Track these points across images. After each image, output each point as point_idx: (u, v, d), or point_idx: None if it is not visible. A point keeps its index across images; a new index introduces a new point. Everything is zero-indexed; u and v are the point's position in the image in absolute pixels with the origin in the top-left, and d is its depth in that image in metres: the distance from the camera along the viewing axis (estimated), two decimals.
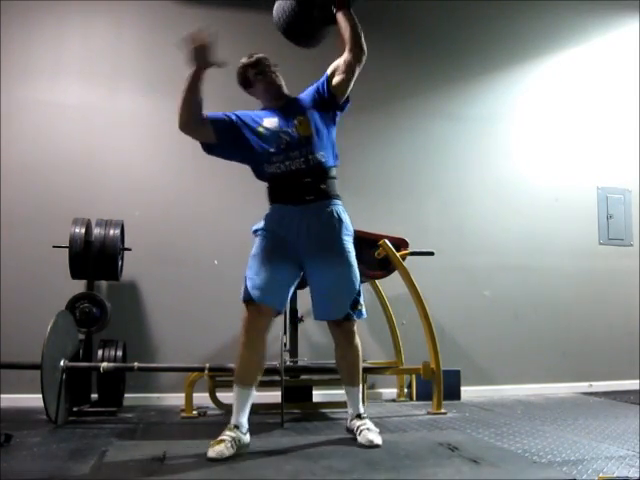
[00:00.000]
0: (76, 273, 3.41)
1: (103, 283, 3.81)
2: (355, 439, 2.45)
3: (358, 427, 2.48)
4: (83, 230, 3.39)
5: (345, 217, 2.52)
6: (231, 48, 4.23)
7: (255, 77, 2.58)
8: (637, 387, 4.37)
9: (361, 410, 2.58)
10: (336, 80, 2.62)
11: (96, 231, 3.46)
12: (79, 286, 3.53)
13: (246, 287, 2.38)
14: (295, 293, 3.42)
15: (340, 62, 2.60)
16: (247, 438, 2.39)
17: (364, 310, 2.52)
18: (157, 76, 4.09)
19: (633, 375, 4.46)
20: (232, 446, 2.26)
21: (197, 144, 4.10)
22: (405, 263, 3.52)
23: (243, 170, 4.12)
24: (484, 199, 4.52)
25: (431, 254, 3.70)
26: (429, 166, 4.49)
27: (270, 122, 2.53)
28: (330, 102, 2.61)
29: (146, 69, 4.09)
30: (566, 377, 4.45)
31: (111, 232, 3.46)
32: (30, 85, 3.89)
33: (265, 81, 2.58)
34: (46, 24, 3.96)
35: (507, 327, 4.41)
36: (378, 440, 2.40)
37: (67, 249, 3.35)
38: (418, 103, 4.52)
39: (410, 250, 3.63)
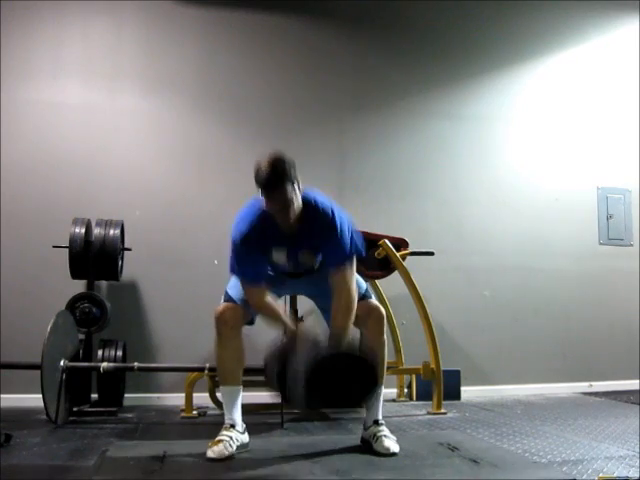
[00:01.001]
0: (76, 273, 3.41)
1: (103, 283, 3.81)
2: (368, 449, 2.35)
3: (375, 434, 2.38)
4: (83, 230, 3.39)
5: (341, 217, 2.45)
6: (231, 48, 4.27)
7: (266, 199, 2.23)
8: (637, 387, 4.37)
9: (379, 416, 2.46)
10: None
11: (96, 231, 3.46)
12: (79, 286, 3.53)
13: (226, 293, 2.47)
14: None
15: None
16: (246, 437, 2.39)
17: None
18: (157, 76, 4.09)
19: (633, 375, 4.46)
20: (231, 445, 2.26)
21: (197, 145, 4.13)
22: (405, 263, 3.52)
23: (243, 171, 4.14)
24: (484, 199, 4.52)
25: (431, 254, 3.70)
26: (429, 166, 4.49)
27: (278, 255, 2.42)
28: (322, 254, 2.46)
29: (146, 69, 4.09)
30: (566, 377, 4.45)
31: (111, 232, 3.46)
32: (30, 85, 3.89)
33: (272, 210, 2.24)
34: (46, 24, 3.96)
35: (507, 327, 4.41)
36: (395, 448, 2.32)
37: (67, 249, 3.34)
38: (417, 103, 4.52)
39: (410, 250, 3.63)
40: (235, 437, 2.31)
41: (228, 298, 2.43)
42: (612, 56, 4.92)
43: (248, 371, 2.54)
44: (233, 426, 2.34)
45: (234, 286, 2.44)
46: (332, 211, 2.32)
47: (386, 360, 2.54)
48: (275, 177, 2.16)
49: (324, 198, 2.36)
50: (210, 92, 4.18)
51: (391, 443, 2.34)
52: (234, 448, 2.27)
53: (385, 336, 2.49)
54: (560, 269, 4.57)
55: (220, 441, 2.26)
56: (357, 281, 2.46)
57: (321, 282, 2.42)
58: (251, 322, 2.51)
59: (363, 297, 2.46)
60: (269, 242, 2.35)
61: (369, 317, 2.44)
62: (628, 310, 4.64)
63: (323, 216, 2.30)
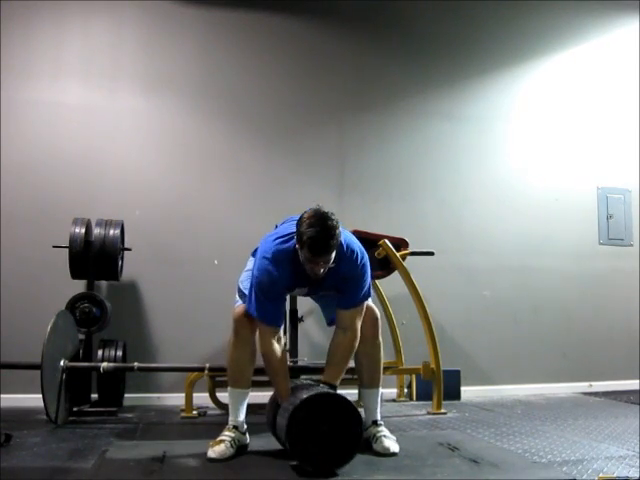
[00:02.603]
0: (76, 273, 3.40)
1: (103, 283, 3.81)
2: (367, 449, 2.34)
3: (374, 434, 2.39)
4: (83, 230, 3.38)
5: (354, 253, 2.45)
6: (231, 48, 4.27)
7: (308, 259, 2.17)
8: (637, 387, 4.37)
9: (378, 417, 2.48)
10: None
11: (96, 231, 3.46)
12: (79, 286, 3.53)
13: (243, 294, 2.42)
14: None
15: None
16: (246, 438, 2.39)
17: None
18: (157, 76, 4.09)
19: (633, 375, 4.46)
20: (232, 446, 2.26)
21: (197, 145, 4.12)
22: (405, 263, 3.52)
23: (243, 171, 4.15)
24: (484, 199, 4.52)
25: (431, 254, 3.70)
26: (429, 166, 4.49)
27: (300, 291, 2.51)
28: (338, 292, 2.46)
29: (146, 69, 4.08)
30: (566, 377, 4.45)
31: (111, 232, 3.46)
32: (30, 85, 3.88)
33: (312, 271, 2.22)
34: (46, 24, 3.96)
35: (507, 327, 4.41)
36: (395, 448, 2.33)
37: (67, 249, 3.34)
38: (418, 103, 4.52)
39: (410, 250, 3.63)
40: (236, 438, 2.31)
41: (244, 302, 2.39)
42: (612, 56, 4.92)
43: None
44: (236, 427, 2.34)
45: (264, 298, 2.35)
46: (360, 256, 2.33)
47: (382, 362, 2.54)
48: (326, 244, 2.12)
49: (352, 240, 2.36)
50: (210, 92, 4.18)
51: (391, 443, 2.34)
52: (235, 449, 2.27)
53: (380, 338, 2.50)
54: (560, 269, 4.57)
55: (222, 441, 2.26)
56: (365, 286, 2.44)
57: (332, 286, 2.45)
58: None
59: (361, 300, 2.42)
60: (295, 284, 2.36)
61: (364, 317, 2.43)
62: (628, 310, 4.64)
63: (353, 262, 2.31)
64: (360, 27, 4.47)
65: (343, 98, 4.38)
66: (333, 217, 2.17)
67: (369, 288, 2.40)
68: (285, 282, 2.29)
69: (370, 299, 2.48)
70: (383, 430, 2.41)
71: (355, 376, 2.62)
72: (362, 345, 2.43)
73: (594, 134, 4.82)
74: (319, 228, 2.11)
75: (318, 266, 2.18)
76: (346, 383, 2.84)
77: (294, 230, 2.24)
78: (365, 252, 2.39)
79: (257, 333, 2.37)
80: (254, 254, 2.56)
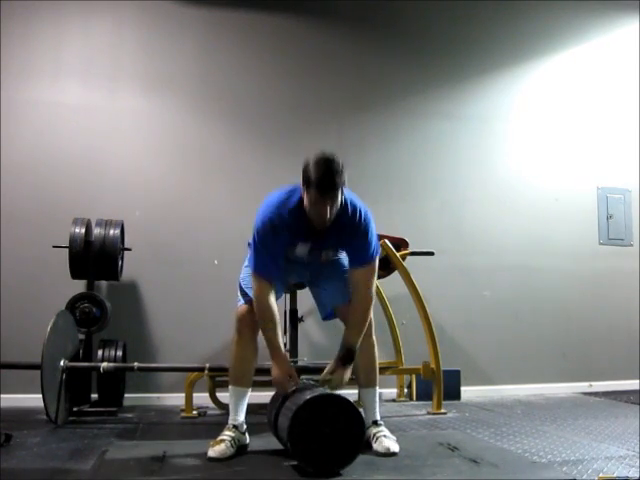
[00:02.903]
0: (76, 273, 3.40)
1: (103, 283, 3.81)
2: (367, 449, 2.31)
3: (374, 434, 2.38)
4: (83, 230, 3.39)
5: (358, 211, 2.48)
6: (231, 48, 4.27)
7: (315, 199, 2.17)
8: (637, 387, 4.37)
9: (377, 416, 2.46)
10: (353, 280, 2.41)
11: (96, 231, 3.46)
12: (79, 286, 3.52)
13: (245, 293, 2.41)
14: (295, 293, 3.42)
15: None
16: (246, 438, 2.39)
17: None
18: (157, 76, 4.09)
19: (633, 375, 4.46)
20: (232, 446, 2.26)
21: (197, 145, 4.12)
22: (405, 263, 3.52)
23: (244, 171, 4.15)
24: (484, 199, 4.52)
25: (431, 254, 3.70)
26: (429, 166, 4.49)
27: (302, 249, 2.40)
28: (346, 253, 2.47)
29: (146, 69, 4.09)
30: (566, 377, 4.45)
31: (111, 232, 3.46)
32: (30, 85, 3.88)
33: (319, 213, 2.19)
34: (46, 24, 3.96)
35: (507, 327, 4.41)
36: (395, 448, 2.32)
37: (67, 249, 3.34)
38: (418, 103, 4.52)
39: (410, 250, 3.63)
40: (237, 437, 2.31)
41: (249, 299, 2.38)
42: (612, 56, 4.92)
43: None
44: (236, 427, 2.34)
45: (250, 287, 2.38)
46: (363, 212, 2.33)
47: (377, 360, 2.53)
48: (332, 181, 2.13)
49: (354, 197, 2.36)
50: (210, 92, 4.18)
51: (391, 443, 2.34)
52: (235, 449, 2.27)
53: (374, 336, 2.49)
54: (560, 269, 4.57)
55: (222, 441, 2.26)
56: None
57: (329, 269, 2.46)
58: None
59: None
60: (296, 237, 2.33)
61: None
62: (628, 310, 4.64)
63: (355, 217, 2.30)
64: (360, 27, 4.47)
65: (343, 98, 4.38)
66: (338, 159, 2.19)
67: (377, 245, 2.39)
68: (286, 234, 2.27)
69: None
70: (383, 430, 2.41)
71: (354, 376, 2.61)
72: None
73: (594, 134, 4.82)
74: (325, 167, 2.14)
75: (325, 208, 2.16)
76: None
77: (295, 185, 2.27)
78: (368, 209, 2.38)
79: (258, 331, 2.37)
80: (250, 246, 2.55)
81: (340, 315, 2.49)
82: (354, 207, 2.31)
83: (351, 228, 2.31)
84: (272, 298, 2.31)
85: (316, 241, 2.36)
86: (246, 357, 2.39)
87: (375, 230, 2.38)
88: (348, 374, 2.36)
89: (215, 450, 2.22)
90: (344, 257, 2.52)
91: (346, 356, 2.34)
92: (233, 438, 2.29)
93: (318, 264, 2.49)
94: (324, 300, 2.55)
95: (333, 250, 2.45)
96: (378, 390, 2.52)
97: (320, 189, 2.13)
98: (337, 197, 2.18)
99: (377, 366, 2.52)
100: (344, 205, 2.27)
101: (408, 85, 4.53)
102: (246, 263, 2.52)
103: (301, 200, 2.24)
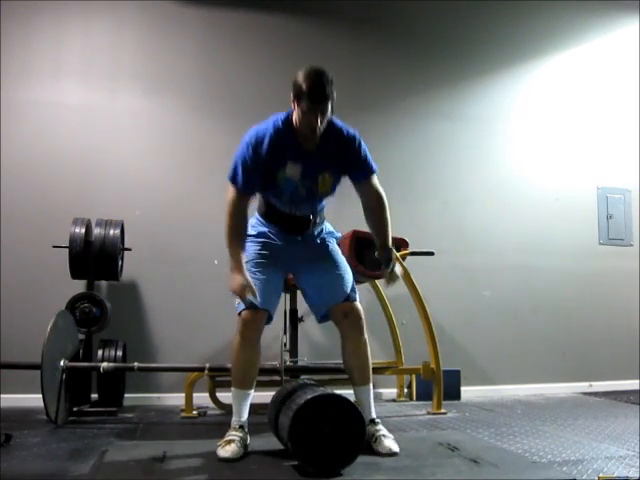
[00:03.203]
0: (76, 273, 3.41)
1: (103, 283, 3.81)
2: (367, 449, 2.28)
3: (373, 434, 2.35)
4: (83, 230, 3.39)
5: (329, 227, 2.61)
6: (231, 48, 4.27)
7: (306, 108, 2.19)
8: (637, 387, 4.37)
9: (374, 414, 2.45)
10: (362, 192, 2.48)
11: (96, 231, 3.46)
12: (79, 286, 3.53)
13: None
14: (295, 293, 3.43)
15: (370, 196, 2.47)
16: (249, 438, 2.38)
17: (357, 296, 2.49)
18: (157, 76, 4.09)
19: (633, 375, 4.46)
20: (242, 446, 2.26)
21: (197, 145, 4.12)
22: (405, 263, 3.52)
23: None
24: (484, 199, 4.52)
25: (431, 254, 3.70)
26: (429, 166, 4.49)
27: (293, 170, 2.33)
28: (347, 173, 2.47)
29: (146, 69, 4.09)
30: (566, 377, 4.45)
31: (111, 232, 3.46)
32: (30, 85, 3.88)
33: (310, 123, 2.21)
34: (46, 24, 3.96)
35: (507, 327, 4.41)
36: (396, 447, 2.30)
37: (67, 249, 3.34)
38: (418, 103, 4.52)
39: (410, 250, 3.62)
40: (243, 437, 2.31)
41: (251, 304, 2.31)
42: (612, 56, 4.92)
43: None
44: (242, 427, 2.34)
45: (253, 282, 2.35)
46: (352, 130, 2.39)
47: (370, 358, 2.50)
48: (323, 90, 2.20)
49: (340, 122, 2.41)
50: (210, 92, 4.18)
51: (391, 443, 2.33)
52: (243, 449, 2.27)
53: (366, 335, 2.46)
54: (560, 269, 4.57)
55: (232, 441, 2.25)
56: (350, 281, 2.48)
57: (319, 257, 2.46)
58: (269, 321, 2.45)
59: (347, 298, 2.42)
60: (284, 156, 2.30)
61: (347, 316, 2.41)
62: (628, 310, 4.64)
63: (346, 136, 2.36)
64: (360, 27, 4.47)
65: (343, 98, 4.30)
66: (328, 72, 2.26)
67: (371, 159, 2.44)
68: (273, 143, 2.27)
69: (357, 300, 2.46)
70: (382, 429, 2.40)
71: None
72: (348, 343, 2.44)
73: (594, 134, 4.82)
74: (315, 75, 2.20)
75: (315, 117, 2.19)
76: (344, 383, 2.84)
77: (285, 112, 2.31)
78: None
79: (261, 333, 2.36)
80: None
81: (334, 317, 2.44)
82: (343, 128, 2.37)
83: (342, 144, 2.35)
84: (245, 210, 2.33)
85: (308, 162, 2.32)
86: (250, 360, 2.38)
87: (366, 147, 2.43)
88: (399, 267, 2.50)
89: (227, 450, 2.21)
90: (335, 250, 2.52)
91: (388, 254, 2.45)
92: (241, 438, 2.28)
93: (306, 247, 2.46)
94: (317, 301, 2.49)
95: (329, 173, 2.38)
96: (372, 387, 2.50)
97: (311, 97, 2.17)
98: (327, 107, 2.22)
99: (370, 364, 2.50)
100: (332, 127, 2.32)
101: (409, 85, 4.53)
102: (245, 258, 2.46)
103: (290, 120, 2.28)
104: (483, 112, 4.62)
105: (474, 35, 4.67)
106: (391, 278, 2.45)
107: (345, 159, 2.37)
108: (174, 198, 4.00)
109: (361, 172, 2.42)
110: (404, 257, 3.57)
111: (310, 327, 3.84)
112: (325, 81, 2.21)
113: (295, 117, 2.25)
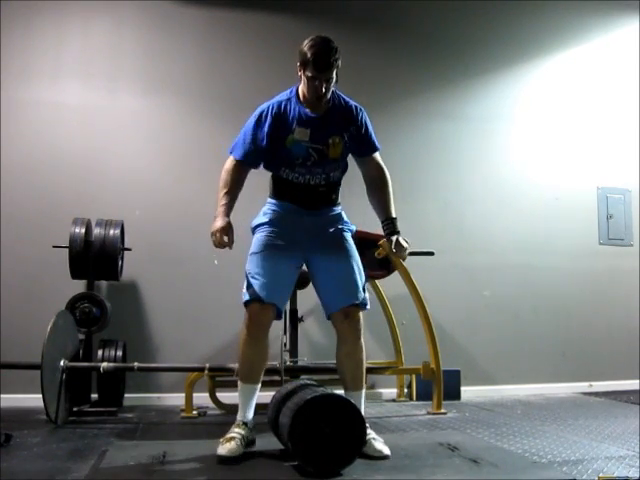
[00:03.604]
0: (76, 273, 3.41)
1: (103, 283, 3.80)
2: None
3: None
4: (83, 230, 3.39)
5: (345, 217, 2.56)
6: (231, 48, 4.27)
7: (312, 77, 2.26)
8: (637, 387, 4.36)
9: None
10: (365, 165, 2.56)
11: (96, 231, 3.46)
12: (79, 286, 3.53)
13: (250, 285, 2.32)
14: (295, 293, 3.42)
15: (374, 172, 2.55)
16: (254, 435, 2.37)
17: (368, 301, 2.44)
18: (157, 76, 4.09)
19: (633, 375, 4.45)
20: (242, 444, 2.24)
21: (197, 145, 4.12)
22: (405, 263, 3.52)
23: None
24: (484, 199, 4.52)
25: (431, 254, 3.70)
26: (429, 166, 4.49)
27: (302, 133, 2.35)
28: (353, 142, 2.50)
29: (146, 69, 4.09)
30: (566, 377, 4.45)
31: (111, 232, 3.46)
32: (30, 85, 3.88)
33: (316, 90, 2.29)
34: (46, 24, 3.96)
35: (507, 327, 4.41)
36: (387, 450, 2.28)
37: (67, 249, 3.34)
38: (418, 103, 4.52)
39: (410, 250, 3.62)
40: (246, 435, 2.29)
41: (254, 297, 2.30)
42: (612, 56, 4.92)
43: None
44: (245, 424, 2.32)
45: (259, 278, 2.32)
46: (358, 104, 2.49)
47: (365, 363, 2.46)
48: (328, 57, 2.24)
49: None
50: (210, 92, 4.18)
51: (382, 446, 2.30)
52: (244, 446, 2.25)
53: (363, 339, 2.42)
54: (560, 268, 4.57)
55: (232, 438, 2.23)
56: (363, 282, 2.43)
57: (335, 247, 2.43)
58: (278, 317, 2.41)
59: (360, 302, 2.38)
60: (292, 121, 2.36)
61: (348, 317, 2.36)
62: (628, 310, 4.64)
63: (351, 105, 2.46)
64: (361, 27, 4.47)
65: None
66: (334, 41, 2.30)
67: (376, 140, 2.54)
68: (280, 116, 2.34)
69: (367, 304, 2.42)
70: (371, 433, 2.35)
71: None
72: (344, 346, 2.39)
73: (594, 134, 4.82)
74: (321, 43, 2.26)
75: (321, 84, 2.26)
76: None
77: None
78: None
79: (269, 328, 2.34)
80: (254, 230, 2.50)
81: (334, 316, 2.39)
82: (349, 99, 2.48)
83: (349, 113, 2.44)
84: (239, 175, 2.39)
85: (316, 126, 2.36)
86: (257, 356, 2.36)
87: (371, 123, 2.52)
88: (404, 242, 2.55)
89: (226, 448, 2.19)
90: (351, 245, 2.48)
91: (393, 226, 2.54)
92: (243, 436, 2.26)
93: (323, 225, 2.45)
94: (329, 299, 2.43)
95: (339, 138, 2.40)
96: (364, 394, 2.45)
97: (316, 65, 2.23)
98: (332, 74, 2.28)
99: (364, 369, 2.46)
100: (339, 95, 2.43)
101: (409, 85, 4.53)
102: (251, 250, 2.44)
103: (296, 90, 2.38)
104: (484, 112, 4.62)
105: (475, 35, 4.66)
106: (398, 250, 2.52)
107: (352, 127, 2.44)
108: (174, 198, 4.00)
109: (366, 146, 2.51)
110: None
111: (310, 327, 3.84)
112: (330, 49, 2.26)
113: (301, 86, 2.33)
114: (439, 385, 3.45)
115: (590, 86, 4.86)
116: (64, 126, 3.91)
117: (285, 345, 3.28)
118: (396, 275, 3.54)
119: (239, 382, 2.39)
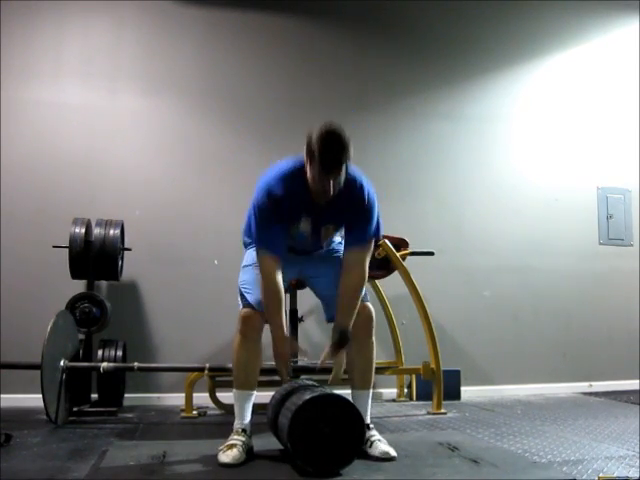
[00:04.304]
0: (76, 273, 3.40)
1: (103, 283, 3.80)
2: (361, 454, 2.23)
3: (368, 439, 2.30)
4: (83, 230, 3.39)
5: (339, 239, 2.52)
6: (231, 48, 4.27)
7: (318, 175, 2.09)
8: (637, 387, 4.37)
9: (369, 420, 2.40)
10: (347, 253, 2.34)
11: (96, 231, 3.46)
12: (79, 286, 3.53)
13: (243, 295, 2.35)
14: (295, 293, 3.42)
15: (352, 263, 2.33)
16: (252, 441, 2.36)
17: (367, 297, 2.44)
18: (157, 76, 4.09)
19: (633, 375, 4.46)
20: (244, 450, 2.21)
21: (197, 145, 4.12)
22: (405, 263, 3.52)
23: (243, 171, 4.15)
24: (484, 199, 4.52)
25: (431, 254, 3.70)
26: (429, 166, 4.49)
27: (305, 225, 2.32)
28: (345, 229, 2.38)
29: (146, 69, 4.09)
30: (566, 377, 4.45)
31: (111, 232, 3.46)
32: (30, 85, 3.88)
33: (323, 187, 2.11)
34: (46, 24, 3.96)
35: (507, 327, 4.41)
36: (393, 452, 2.26)
37: (67, 249, 3.34)
38: (418, 103, 4.52)
39: (410, 250, 3.63)
40: (246, 441, 2.26)
41: (247, 303, 2.32)
42: (612, 56, 4.92)
43: None
44: (245, 430, 2.30)
45: (251, 289, 2.33)
46: (368, 190, 2.26)
47: (375, 362, 2.47)
48: (337, 158, 2.04)
49: (360, 174, 2.29)
50: (210, 92, 4.18)
51: (388, 447, 2.29)
52: (245, 453, 2.23)
53: (374, 337, 2.43)
54: (560, 269, 4.57)
55: (233, 445, 2.20)
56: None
57: (328, 261, 2.43)
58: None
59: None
60: (298, 211, 2.25)
61: (358, 316, 2.34)
62: (628, 310, 4.64)
63: (359, 194, 2.24)
64: (361, 27, 4.47)
65: (343, 98, 4.38)
66: (344, 132, 2.08)
67: (379, 226, 2.32)
68: (288, 201, 2.18)
69: (368, 300, 2.42)
70: (376, 434, 2.36)
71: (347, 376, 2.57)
72: (355, 344, 2.35)
73: (594, 134, 4.82)
74: (331, 141, 2.04)
75: (328, 184, 2.08)
76: (343, 383, 2.83)
77: (297, 157, 2.20)
78: (372, 187, 2.31)
79: (262, 333, 2.34)
80: (247, 245, 2.51)
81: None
82: (359, 184, 2.24)
83: (354, 205, 2.24)
84: (280, 275, 2.22)
85: (318, 215, 2.27)
86: (251, 360, 2.33)
87: (378, 209, 2.32)
88: (344, 358, 2.29)
89: (228, 455, 2.16)
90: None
91: (341, 339, 2.25)
92: (244, 442, 2.24)
93: (318, 251, 2.45)
94: (330, 302, 2.43)
95: (334, 225, 2.35)
96: (371, 393, 2.45)
97: (324, 166, 2.04)
98: (341, 174, 2.09)
99: (373, 368, 2.46)
100: (348, 180, 2.18)
101: (409, 85, 4.52)
102: (244, 263, 2.48)
103: (303, 171, 2.15)
104: (483, 112, 4.62)
105: (474, 35, 4.66)
106: (338, 365, 2.27)
107: (350, 219, 2.29)
108: (174, 198, 4.00)
109: (356, 236, 2.30)
110: (404, 257, 3.57)
111: (310, 327, 3.84)
112: (341, 148, 2.05)
113: (308, 174, 2.13)
114: (439, 385, 3.45)
115: (590, 86, 4.86)
116: (64, 126, 3.91)
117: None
118: (396, 275, 3.54)
119: (235, 389, 2.37)
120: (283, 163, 2.28)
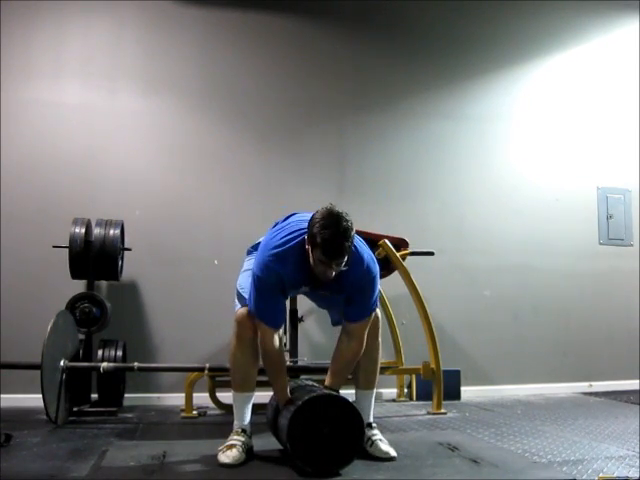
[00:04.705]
0: (76, 273, 3.41)
1: (103, 283, 3.81)
2: (362, 453, 2.25)
3: (369, 438, 2.32)
4: (83, 230, 3.39)
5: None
6: (231, 48, 4.27)
7: (320, 261, 2.08)
8: (637, 387, 4.37)
9: (371, 419, 2.42)
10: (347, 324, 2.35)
11: (96, 231, 3.46)
12: (79, 286, 3.53)
13: (241, 297, 2.36)
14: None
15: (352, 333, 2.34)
16: (252, 441, 2.36)
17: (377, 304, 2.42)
18: (157, 76, 4.09)
19: (633, 375, 4.46)
20: (243, 450, 2.22)
21: (197, 145, 4.12)
22: (405, 263, 3.52)
23: (243, 171, 4.15)
24: (484, 199, 4.52)
25: (431, 254, 3.70)
26: (429, 166, 4.49)
27: (302, 292, 2.46)
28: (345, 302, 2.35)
29: (146, 69, 4.09)
30: (566, 377, 4.45)
31: (111, 232, 3.46)
32: (30, 85, 3.88)
33: (325, 273, 2.12)
34: (46, 24, 3.96)
35: (507, 327, 4.41)
36: (393, 452, 2.28)
37: (67, 249, 3.34)
38: (418, 103, 4.52)
39: (410, 250, 3.63)
40: (246, 442, 2.27)
41: (243, 304, 2.33)
42: (612, 56, 4.92)
43: None
44: (244, 431, 2.31)
45: (247, 291, 2.34)
46: (370, 268, 2.25)
47: (379, 362, 2.49)
48: (340, 247, 2.03)
49: (362, 247, 2.28)
50: (210, 92, 4.18)
51: (389, 447, 2.30)
52: (245, 453, 2.23)
53: (380, 339, 2.45)
54: (560, 269, 4.57)
55: (233, 446, 2.21)
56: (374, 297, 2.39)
57: (331, 297, 2.42)
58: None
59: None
60: (299, 283, 2.28)
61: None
62: (628, 310, 4.64)
63: (361, 272, 2.23)
64: (361, 27, 4.47)
65: (343, 98, 4.38)
66: (348, 218, 2.08)
67: (377, 298, 2.33)
68: (288, 280, 2.21)
69: (378, 306, 2.40)
70: (378, 434, 2.37)
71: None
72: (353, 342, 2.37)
73: (594, 134, 4.82)
74: (334, 230, 2.03)
75: (330, 270, 2.09)
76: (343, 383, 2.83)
77: (301, 227, 2.19)
78: (375, 260, 2.31)
79: (259, 333, 2.33)
80: (250, 252, 2.54)
81: (349, 326, 2.37)
82: (361, 261, 2.23)
83: (356, 282, 2.24)
84: (277, 342, 2.26)
85: (319, 287, 2.29)
86: (248, 362, 2.34)
87: (378, 284, 2.31)
88: None
89: (228, 456, 2.17)
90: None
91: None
92: (243, 442, 2.25)
93: (320, 295, 2.49)
94: (332, 307, 2.49)
95: (333, 294, 2.36)
96: (375, 393, 2.48)
97: (327, 254, 2.04)
98: (344, 260, 2.08)
99: (378, 369, 2.48)
100: (352, 257, 2.16)
101: (409, 85, 4.53)
102: (244, 268, 2.51)
103: (305, 252, 2.14)
104: (483, 112, 4.62)
105: (474, 35, 4.66)
106: None
107: (351, 290, 2.27)
108: (174, 198, 4.00)
109: (356, 312, 2.30)
110: (404, 257, 3.57)
111: (310, 327, 3.84)
112: (344, 235, 2.03)
113: (310, 257, 2.12)
114: (439, 385, 3.45)
115: (590, 86, 4.86)
116: (64, 126, 3.91)
117: (285, 345, 3.28)
118: (396, 275, 3.54)
119: (233, 392, 2.37)
120: (285, 236, 2.22)
